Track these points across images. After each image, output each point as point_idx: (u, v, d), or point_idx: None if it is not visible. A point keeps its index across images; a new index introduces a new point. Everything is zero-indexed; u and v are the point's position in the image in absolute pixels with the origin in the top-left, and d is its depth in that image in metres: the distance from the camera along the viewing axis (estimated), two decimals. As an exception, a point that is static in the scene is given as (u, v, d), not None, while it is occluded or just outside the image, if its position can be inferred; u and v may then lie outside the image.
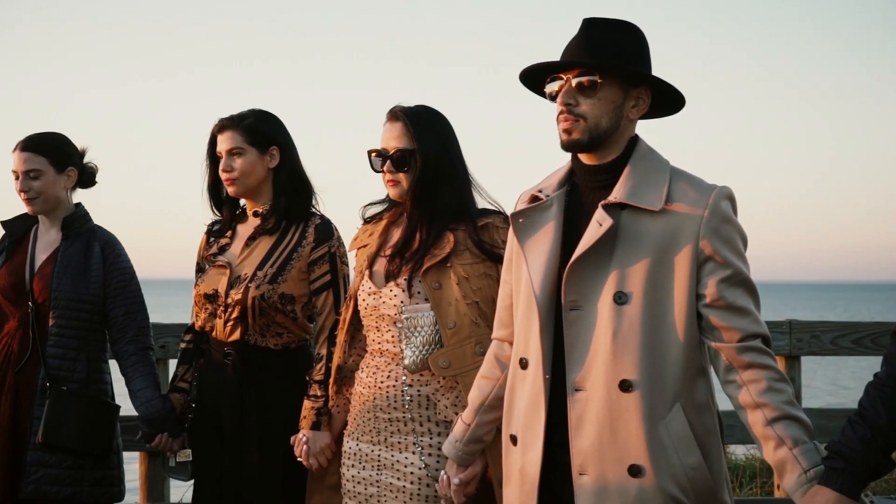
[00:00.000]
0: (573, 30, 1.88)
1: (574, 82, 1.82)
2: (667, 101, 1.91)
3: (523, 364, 1.90)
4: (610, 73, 1.81)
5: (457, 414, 2.17)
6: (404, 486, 2.22)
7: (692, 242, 1.76)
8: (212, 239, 2.75)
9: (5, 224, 2.88)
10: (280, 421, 2.56)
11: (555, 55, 1.89)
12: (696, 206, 1.78)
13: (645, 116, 1.91)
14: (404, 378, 2.24)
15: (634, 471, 1.73)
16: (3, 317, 2.78)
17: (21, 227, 2.86)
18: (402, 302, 2.24)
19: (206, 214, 2.78)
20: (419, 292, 2.24)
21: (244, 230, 2.70)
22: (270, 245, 2.61)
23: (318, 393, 2.49)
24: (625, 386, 1.75)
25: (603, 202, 1.81)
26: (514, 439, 1.91)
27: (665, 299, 1.77)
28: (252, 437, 2.55)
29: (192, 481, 2.74)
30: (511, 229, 1.97)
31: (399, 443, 2.25)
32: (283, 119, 2.72)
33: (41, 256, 2.80)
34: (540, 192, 1.95)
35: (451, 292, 2.20)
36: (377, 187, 2.41)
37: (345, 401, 2.46)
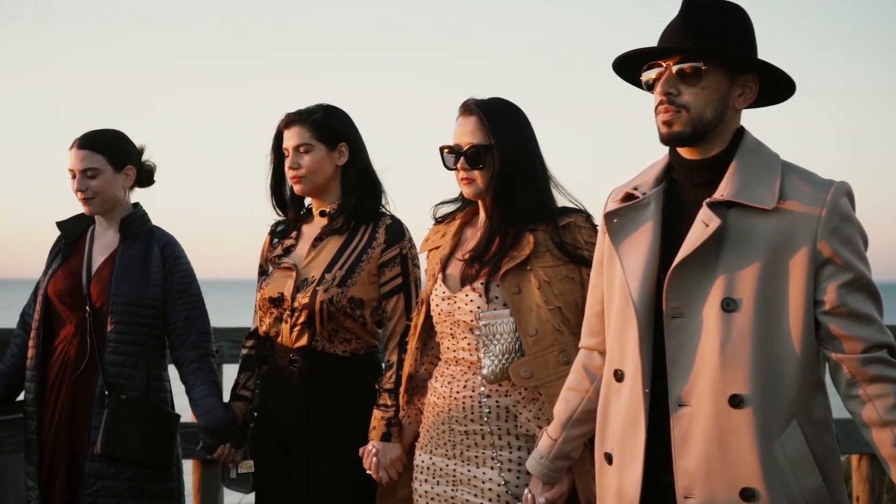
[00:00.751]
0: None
1: (675, 69, 1.67)
2: (775, 88, 1.75)
3: (618, 376, 1.75)
4: (715, 59, 1.66)
5: (540, 427, 2.02)
6: (482, 503, 2.09)
7: (809, 244, 1.61)
8: (275, 240, 2.63)
9: (61, 225, 2.78)
10: (348, 431, 2.44)
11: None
12: (813, 203, 1.62)
13: (751, 105, 1.75)
14: (482, 388, 2.10)
15: (747, 495, 1.58)
16: (60, 322, 2.67)
17: (77, 229, 2.76)
18: (478, 307, 2.10)
19: (260, 214, 2.68)
20: (497, 297, 2.10)
21: (310, 230, 2.57)
22: (339, 246, 2.49)
23: (389, 402, 2.36)
24: (735, 401, 1.59)
25: (708, 200, 1.66)
26: (608, 457, 1.77)
27: (779, 306, 1.62)
28: (318, 449, 2.43)
29: (251, 493, 2.63)
30: (604, 230, 1.83)
31: (476, 457, 2.11)
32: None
33: (98, 259, 2.69)
34: (635, 189, 1.80)
35: (531, 297, 2.07)
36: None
37: (416, 411, 2.33)
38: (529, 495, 1.96)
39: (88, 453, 2.55)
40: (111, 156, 2.65)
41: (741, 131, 1.73)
